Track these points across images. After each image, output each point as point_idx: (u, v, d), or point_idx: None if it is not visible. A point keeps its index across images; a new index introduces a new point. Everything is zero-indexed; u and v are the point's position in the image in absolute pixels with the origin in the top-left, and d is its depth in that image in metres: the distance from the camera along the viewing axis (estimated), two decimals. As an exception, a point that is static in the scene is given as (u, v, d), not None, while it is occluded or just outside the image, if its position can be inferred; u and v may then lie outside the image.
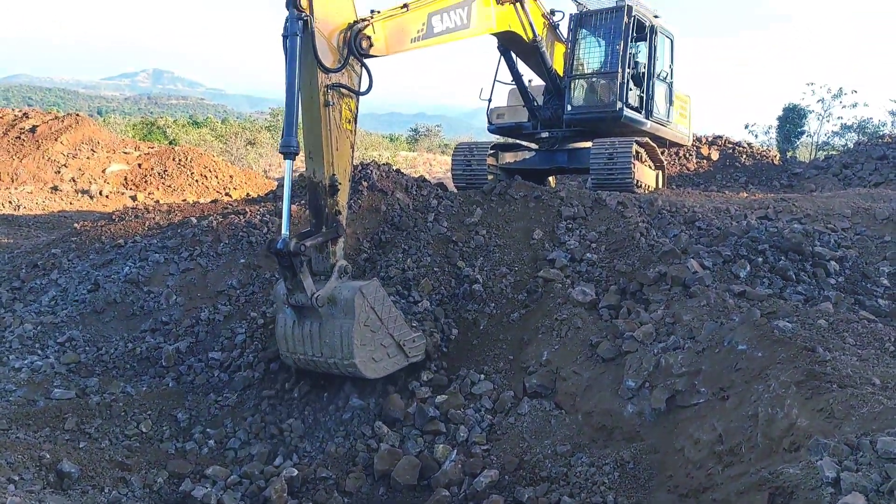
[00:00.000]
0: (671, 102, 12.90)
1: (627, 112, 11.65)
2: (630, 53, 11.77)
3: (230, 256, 9.11)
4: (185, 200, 18.72)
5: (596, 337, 6.69)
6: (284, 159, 6.44)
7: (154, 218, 11.06)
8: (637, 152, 11.59)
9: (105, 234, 10.60)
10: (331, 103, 6.63)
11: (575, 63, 12.28)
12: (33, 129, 22.49)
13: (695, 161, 19.54)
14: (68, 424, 5.98)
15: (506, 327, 7.63)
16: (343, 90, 6.68)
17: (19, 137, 22.06)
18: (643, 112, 12.11)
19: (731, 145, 20.36)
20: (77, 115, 25.52)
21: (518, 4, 10.48)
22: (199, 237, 9.54)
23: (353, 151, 7.09)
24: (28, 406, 6.26)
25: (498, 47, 11.83)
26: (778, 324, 5.56)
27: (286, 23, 6.25)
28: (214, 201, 14.51)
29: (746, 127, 28.14)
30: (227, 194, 21.19)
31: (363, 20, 6.95)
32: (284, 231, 6.22)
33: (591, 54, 12.47)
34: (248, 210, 10.34)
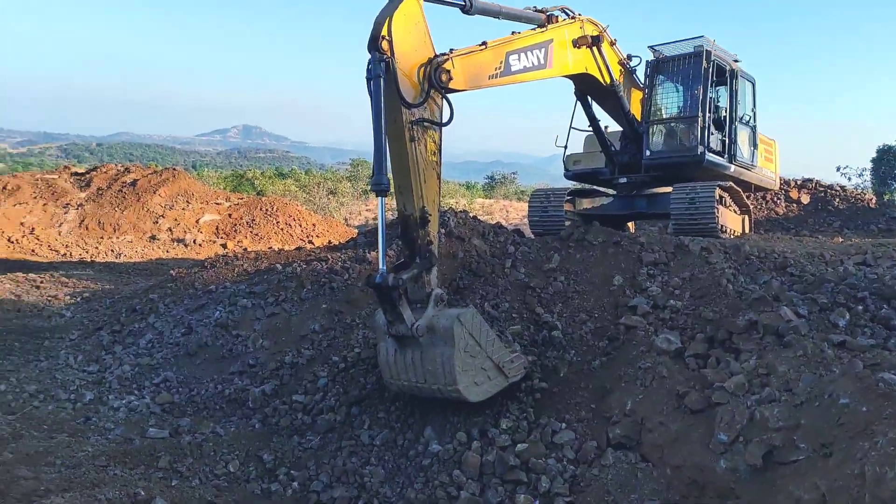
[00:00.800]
0: (755, 146, 12.64)
1: (709, 156, 11.47)
2: (710, 98, 11.64)
3: (313, 302, 9.38)
4: (270, 248, 19.50)
5: (683, 387, 6.43)
6: (377, 196, 6.68)
7: (242, 265, 11.56)
8: (720, 196, 11.31)
9: (198, 280, 11.15)
10: (416, 138, 6.85)
11: (653, 108, 12.23)
12: (134, 183, 24.11)
13: (784, 205, 18.81)
14: (161, 463, 6.21)
15: (587, 375, 7.46)
16: (426, 124, 6.90)
17: (121, 191, 23.69)
18: (726, 156, 11.89)
19: (822, 188, 19.51)
20: (174, 169, 27.23)
21: (595, 48, 10.62)
22: (284, 283, 9.88)
23: (439, 182, 7.29)
24: (125, 444, 6.55)
25: (575, 92, 11.93)
26: (883, 376, 5.20)
27: (369, 65, 6.50)
28: (298, 248, 15.04)
29: (839, 169, 26.92)
30: (310, 242, 21.93)
31: (442, 55, 7.24)
32: (381, 266, 6.45)
33: (670, 99, 12.41)
34: (329, 257, 10.65)
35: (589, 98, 11.97)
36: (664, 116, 12.34)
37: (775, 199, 18.85)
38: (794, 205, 18.72)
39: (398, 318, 6.60)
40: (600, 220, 12.14)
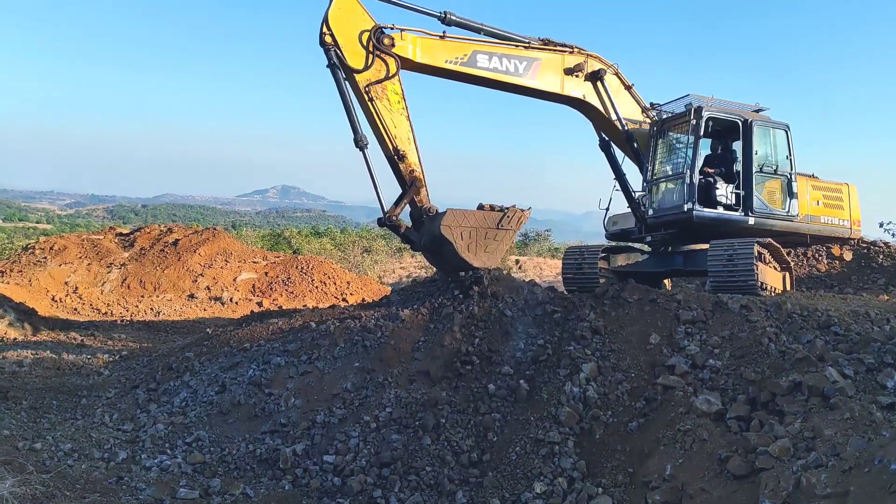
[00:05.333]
0: (790, 195, 12.10)
1: (704, 212, 11.42)
2: (700, 154, 11.60)
3: (346, 360, 9.37)
4: (305, 306, 19.64)
5: (725, 451, 6.20)
6: (360, 151, 9.36)
7: (277, 323, 11.64)
8: (760, 253, 11.08)
9: (233, 338, 11.24)
10: (374, 97, 9.37)
11: (654, 167, 12.31)
12: (175, 243, 24.71)
13: (826, 262, 18.35)
14: (190, 524, 6.14)
15: (623, 437, 7.24)
16: (384, 82, 9.39)
17: (163, 250, 24.28)
18: (742, 209, 11.63)
19: (865, 245, 19.01)
20: (214, 228, 27.86)
21: (599, 83, 11.22)
22: (318, 341, 9.91)
23: (410, 122, 9.69)
24: (155, 505, 6.52)
25: (599, 144, 12.18)
26: (939, 441, 4.94)
27: (334, 64, 9.30)
28: (332, 306, 15.11)
29: (882, 226, 26.07)
30: (344, 300, 22.04)
31: (389, 27, 9.63)
32: (384, 207, 9.47)
33: (665, 157, 12.44)
34: (363, 315, 10.66)
35: (613, 149, 12.15)
36: (660, 175, 12.35)
37: (817, 255, 18.43)
38: (837, 262, 18.25)
39: (408, 241, 9.58)
40: (636, 278, 11.98)
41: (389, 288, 23.77)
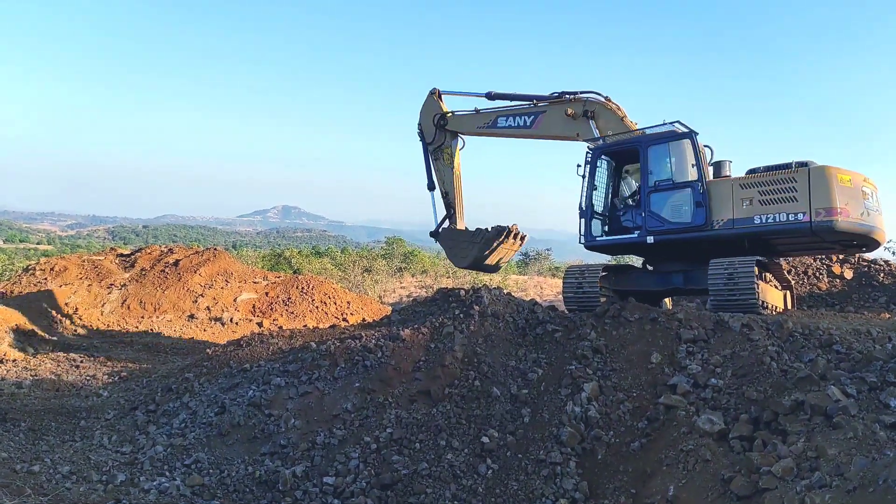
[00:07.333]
0: (697, 203, 11.33)
1: (592, 241, 12.57)
2: (587, 188, 12.56)
3: (346, 380, 9.33)
4: (305, 326, 19.58)
5: (728, 471, 6.15)
6: (429, 191, 15.15)
7: (277, 343, 11.61)
8: (761, 271, 11.06)
9: (233, 358, 11.21)
10: (436, 158, 14.91)
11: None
12: (176, 263, 24.69)
13: (826, 281, 18.33)
14: (189, 548, 6.07)
15: (625, 457, 7.18)
16: (443, 146, 14.75)
17: (164, 271, 24.27)
18: (642, 230, 11.85)
19: (866, 263, 19.01)
20: (215, 249, 27.85)
21: (591, 121, 11.94)
22: (318, 361, 9.87)
23: (451, 174, 14.88)
24: (154, 527, 6.45)
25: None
26: (943, 460, 4.89)
27: (421, 140, 15.28)
28: (332, 326, 15.07)
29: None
30: (344, 319, 21.99)
31: (447, 111, 14.80)
32: (435, 224, 14.87)
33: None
34: (363, 334, 10.65)
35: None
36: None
37: (817, 274, 18.42)
38: (837, 280, 18.23)
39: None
40: (636, 297, 11.96)
41: (390, 307, 23.71)
